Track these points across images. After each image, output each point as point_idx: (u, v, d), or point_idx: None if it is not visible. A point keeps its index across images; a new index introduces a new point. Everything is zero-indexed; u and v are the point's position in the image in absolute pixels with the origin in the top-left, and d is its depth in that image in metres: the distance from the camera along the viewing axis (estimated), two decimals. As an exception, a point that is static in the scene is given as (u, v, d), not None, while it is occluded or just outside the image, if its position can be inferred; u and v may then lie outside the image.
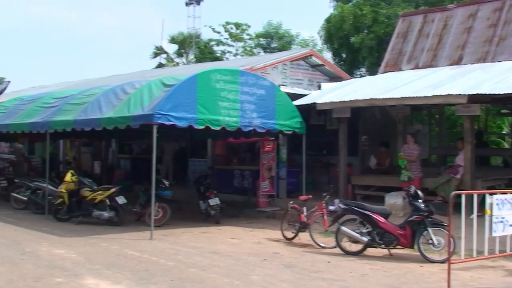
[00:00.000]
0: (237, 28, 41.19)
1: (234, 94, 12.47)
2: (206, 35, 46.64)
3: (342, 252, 9.93)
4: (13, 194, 16.02)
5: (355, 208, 10.04)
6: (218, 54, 41.41)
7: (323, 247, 10.51)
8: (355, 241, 9.89)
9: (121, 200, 12.93)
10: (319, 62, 19.80)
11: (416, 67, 16.86)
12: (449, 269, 7.37)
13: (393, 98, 12.99)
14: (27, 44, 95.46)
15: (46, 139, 15.12)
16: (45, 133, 14.33)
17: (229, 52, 41.90)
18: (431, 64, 16.60)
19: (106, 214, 12.86)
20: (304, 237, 11.12)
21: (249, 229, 12.83)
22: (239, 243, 11.06)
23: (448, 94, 12.12)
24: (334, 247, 10.17)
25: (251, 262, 9.10)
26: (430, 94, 12.37)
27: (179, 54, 42.68)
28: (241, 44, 41.55)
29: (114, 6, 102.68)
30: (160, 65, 39.66)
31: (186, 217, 14.08)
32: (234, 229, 12.89)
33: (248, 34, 41.17)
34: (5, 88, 23.25)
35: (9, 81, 25.82)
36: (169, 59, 41.88)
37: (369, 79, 17.38)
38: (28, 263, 8.76)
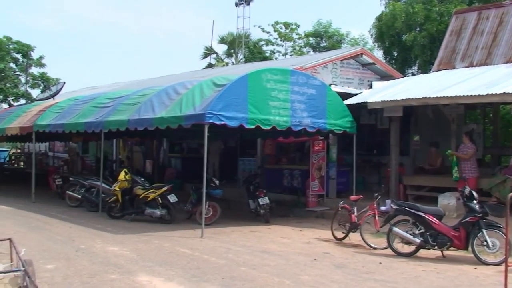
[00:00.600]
0: (286, 28, 41.20)
1: (284, 93, 12.46)
2: (255, 35, 46.87)
3: (393, 253, 9.79)
4: (68, 192, 16.49)
5: (408, 209, 9.88)
6: (267, 54, 41.53)
7: (374, 248, 10.39)
8: (407, 242, 9.73)
9: (172, 198, 13.12)
10: (370, 60, 19.54)
11: (470, 65, 16.43)
12: (506, 271, 7.15)
13: (447, 97, 12.69)
14: (80, 46, 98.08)
15: (101, 138, 15.47)
16: (99, 132, 14.64)
17: (278, 51, 41.98)
18: (485, 62, 16.15)
19: (158, 212, 13.07)
20: (354, 237, 11.03)
21: (298, 229, 12.81)
22: (289, 242, 11.05)
23: (504, 93, 11.75)
24: (386, 248, 10.05)
25: (301, 262, 9.07)
26: (485, 93, 12.02)
27: (228, 54, 42.97)
28: (290, 43, 41.55)
29: (165, 8, 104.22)
30: (210, 66, 40.00)
31: (235, 216, 14.18)
32: (284, 228, 12.89)
33: (297, 34, 41.13)
34: (60, 89, 23.89)
35: (64, 82, 26.53)
36: (219, 59, 42.21)
37: (422, 77, 17.00)
38: (83, 259, 8.98)
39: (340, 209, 11.59)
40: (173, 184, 14.53)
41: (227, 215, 13.72)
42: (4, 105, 33.46)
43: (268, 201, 13.65)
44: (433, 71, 17.46)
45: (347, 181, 16.25)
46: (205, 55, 42.47)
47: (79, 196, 15.92)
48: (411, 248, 9.74)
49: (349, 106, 14.26)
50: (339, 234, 11.30)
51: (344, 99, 14.34)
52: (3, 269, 6.08)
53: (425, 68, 25.40)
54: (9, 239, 6.32)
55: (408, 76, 23.94)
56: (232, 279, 7.75)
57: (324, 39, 37.11)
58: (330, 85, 15.06)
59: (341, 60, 19.06)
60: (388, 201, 11.32)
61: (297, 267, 8.69)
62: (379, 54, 29.64)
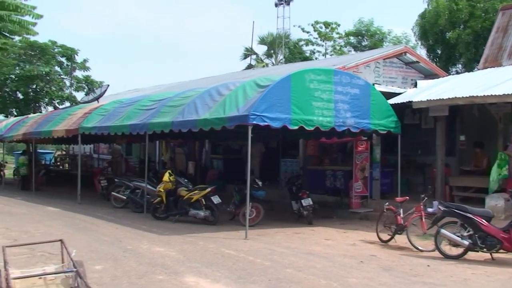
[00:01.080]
0: (326, 27, 40.99)
1: (328, 93, 12.37)
2: (295, 35, 46.77)
3: (441, 256, 9.60)
4: (113, 193, 16.76)
5: (456, 211, 9.67)
6: (307, 54, 41.39)
7: (421, 250, 10.21)
8: (455, 244, 9.53)
9: (216, 199, 13.17)
10: (414, 59, 19.25)
11: (518, 62, 16.02)
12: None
13: (494, 96, 12.38)
14: (123, 49, 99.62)
15: (144, 140, 15.63)
16: (143, 134, 14.80)
17: (318, 51, 41.81)
18: (534, 59, 15.72)
19: (202, 213, 13.15)
20: (400, 239, 10.86)
21: (342, 230, 12.70)
22: (334, 244, 10.96)
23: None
24: (433, 251, 9.86)
25: (348, 264, 8.98)
26: (534, 90, 11.70)
27: (268, 54, 43.03)
28: (330, 43, 41.32)
29: (205, 9, 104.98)
30: (250, 66, 40.10)
31: (278, 217, 14.16)
32: (327, 230, 12.79)
33: (337, 33, 40.89)
34: (104, 92, 24.30)
35: (107, 85, 27.00)
36: (259, 60, 42.29)
37: (467, 75, 16.64)
38: (130, 260, 9.08)
39: (385, 210, 11.43)
40: (215, 185, 14.59)
41: (270, 216, 13.70)
42: (50, 108, 34.30)
43: (311, 202, 13.58)
44: (478, 69, 17.10)
45: (391, 182, 16.05)
46: (245, 56, 42.64)
47: (124, 197, 16.15)
48: (459, 250, 9.53)
49: (392, 105, 14.06)
50: (385, 236, 11.14)
51: (387, 99, 14.16)
52: (54, 269, 6.19)
53: (469, 66, 24.91)
54: (61, 240, 6.43)
55: (452, 74, 23.49)
56: (279, 281, 7.72)
57: (365, 38, 36.78)
58: (373, 84, 14.89)
59: (384, 59, 18.86)
60: (435, 203, 11.12)
61: (344, 269, 8.61)
62: (422, 52, 29.23)
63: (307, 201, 13.54)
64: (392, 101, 14.31)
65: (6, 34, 5.04)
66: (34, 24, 4.72)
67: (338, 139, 16.08)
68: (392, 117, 13.76)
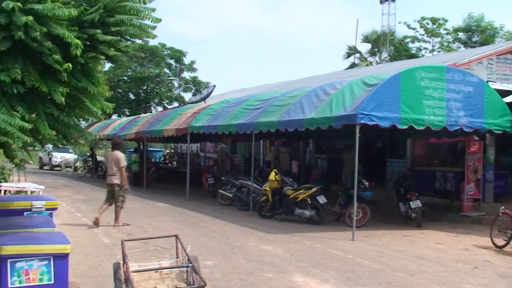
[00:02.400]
0: (433, 23, 39.68)
1: (439, 92, 11.91)
2: (401, 32, 45.70)
3: None
4: (220, 190, 17.15)
5: None
6: (413, 51, 40.26)
7: (541, 258, 9.61)
8: None
9: (321, 199, 13.11)
10: (530, 55, 18.14)
11: None
12: None
13: None
14: (227, 51, 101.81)
15: (250, 139, 15.85)
16: (249, 133, 15.02)
17: (425, 48, 40.56)
18: None
19: (307, 213, 13.14)
20: (517, 245, 10.28)
21: (453, 234, 12.22)
22: (445, 248, 10.55)
23: None
24: (555, 259, 9.25)
25: (461, 270, 8.62)
26: None
27: (372, 53, 42.28)
28: (437, 39, 39.94)
29: (308, 9, 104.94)
30: (353, 65, 39.61)
31: (384, 219, 13.87)
32: (437, 233, 12.36)
33: (445, 29, 39.45)
34: (211, 92, 25.02)
35: (214, 85, 27.81)
36: (362, 59, 41.66)
37: None
38: (239, 257, 9.24)
39: (500, 214, 10.86)
40: (320, 185, 14.52)
41: (376, 218, 13.45)
42: (159, 108, 35.77)
43: (420, 205, 13.18)
44: None
45: (506, 185, 15.30)
46: (348, 55, 42.13)
47: (231, 195, 16.48)
48: None
49: (508, 104, 13.31)
50: (500, 242, 10.59)
51: (502, 97, 13.42)
52: (170, 264, 6.41)
53: None
54: (175, 235, 6.63)
55: None
56: (390, 285, 7.54)
57: (475, 33, 35.18)
58: (487, 81, 14.19)
59: (498, 55, 17.94)
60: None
61: (457, 275, 8.27)
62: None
63: (415, 203, 13.15)
64: (508, 99, 13.55)
65: (127, 37, 5.29)
66: (154, 27, 4.91)
67: (448, 139, 15.47)
68: (507, 116, 13.01)
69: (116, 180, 12.46)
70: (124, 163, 12.66)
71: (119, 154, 12.58)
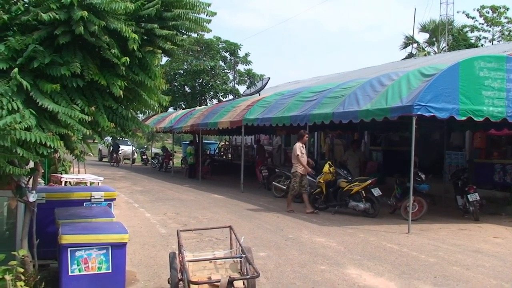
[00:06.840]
0: (493, 12, 38.51)
1: (499, 82, 11.55)
2: (460, 21, 44.52)
3: None
4: (274, 183, 17.23)
5: None
6: (472, 41, 39.20)
7: None
8: None
9: (376, 192, 12.97)
10: None
11: None
12: None
13: None
14: (282, 43, 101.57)
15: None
16: (303, 125, 14.97)
17: (485, 37, 39.45)
18: None
19: (361, 206, 13.03)
20: None
21: (513, 229, 11.88)
22: (503, 243, 10.26)
23: None
24: None
25: (521, 265, 8.38)
26: None
27: (430, 42, 41.42)
28: (498, 28, 38.74)
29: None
30: (410, 55, 38.87)
31: (441, 212, 13.63)
32: (496, 227, 12.02)
33: (506, 17, 38.21)
34: (265, 84, 25.05)
35: (268, 78, 27.80)
36: (420, 49, 40.84)
37: None
38: (292, 248, 9.26)
39: None
40: (375, 177, 14.35)
41: (432, 211, 13.21)
42: (214, 101, 36.17)
43: (478, 198, 12.84)
44: None
45: None
46: (405, 45, 41.40)
47: (284, 187, 16.49)
48: None
49: None
50: None
51: None
52: (224, 255, 6.52)
53: None
54: (230, 226, 6.74)
55: None
56: (445, 279, 7.41)
57: (538, 21, 33.89)
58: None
59: None
60: None
61: (516, 270, 8.05)
62: None
63: (473, 196, 12.83)
64: None
65: (183, 31, 5.35)
66: (209, 21, 4.94)
67: (508, 130, 14.99)
68: None
69: (295, 169, 13.74)
70: (297, 152, 13.66)
71: (295, 145, 13.87)
